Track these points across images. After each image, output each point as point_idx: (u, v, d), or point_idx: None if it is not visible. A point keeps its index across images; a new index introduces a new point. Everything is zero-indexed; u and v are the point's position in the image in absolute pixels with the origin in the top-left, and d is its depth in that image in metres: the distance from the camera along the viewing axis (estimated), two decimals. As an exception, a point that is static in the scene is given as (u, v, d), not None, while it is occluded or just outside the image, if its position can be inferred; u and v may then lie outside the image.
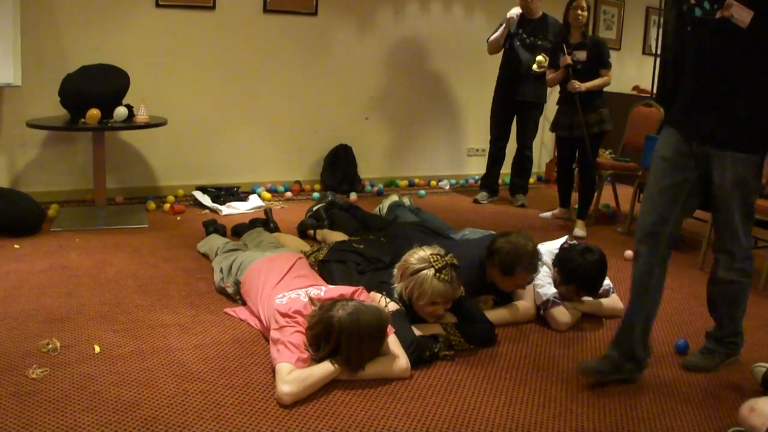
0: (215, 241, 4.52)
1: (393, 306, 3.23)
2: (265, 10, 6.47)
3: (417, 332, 3.23)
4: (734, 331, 3.26)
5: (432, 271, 3.19)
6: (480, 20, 7.47)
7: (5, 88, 5.62)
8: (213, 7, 6.24)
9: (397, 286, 3.34)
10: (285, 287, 3.35)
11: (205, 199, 5.97)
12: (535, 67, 6.23)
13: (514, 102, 6.56)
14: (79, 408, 2.63)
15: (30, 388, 2.77)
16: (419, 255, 3.29)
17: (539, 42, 6.33)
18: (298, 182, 6.81)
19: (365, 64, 7.00)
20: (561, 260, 3.74)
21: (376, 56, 7.03)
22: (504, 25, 6.42)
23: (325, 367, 2.88)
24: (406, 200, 5.38)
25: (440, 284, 3.19)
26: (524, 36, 6.37)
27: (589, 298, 3.80)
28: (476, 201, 6.78)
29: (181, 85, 6.14)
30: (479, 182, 7.21)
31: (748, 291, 3.15)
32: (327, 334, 2.91)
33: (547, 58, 6.04)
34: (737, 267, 3.06)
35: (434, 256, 3.25)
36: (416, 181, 7.38)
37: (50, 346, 3.10)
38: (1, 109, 5.80)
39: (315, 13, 6.68)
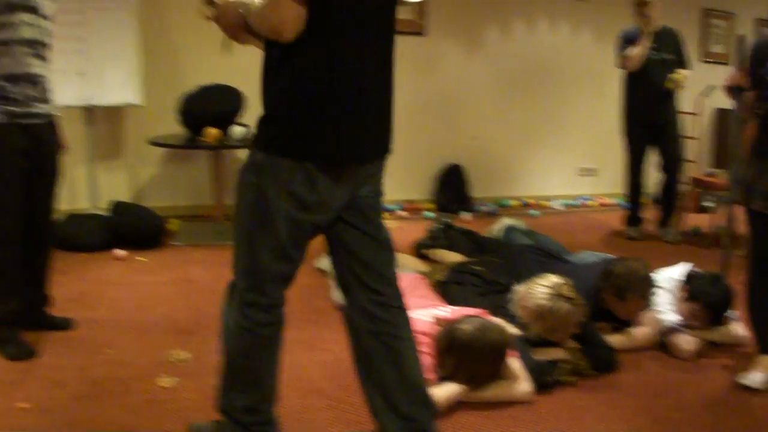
0: (334, 258, 4.62)
1: (514, 330, 3.27)
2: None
3: (540, 357, 3.26)
4: None
5: (560, 301, 3.22)
6: (587, 37, 7.42)
7: (129, 108, 5.97)
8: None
9: (522, 316, 3.37)
10: (408, 307, 3.41)
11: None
12: (671, 84, 5.85)
13: (652, 124, 6.06)
14: (207, 418, 2.78)
15: (161, 396, 2.96)
16: (544, 290, 3.28)
17: (665, 56, 6.02)
18: (410, 201, 6.92)
19: (474, 84, 7.07)
20: (689, 287, 3.69)
21: (485, 75, 7.08)
22: (642, 38, 5.85)
23: (450, 388, 2.93)
24: (520, 223, 5.38)
25: (578, 311, 3.22)
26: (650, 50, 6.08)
27: (714, 326, 3.73)
28: (630, 238, 6.23)
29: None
30: (627, 214, 6.41)
31: None
32: (450, 347, 2.96)
33: (685, 75, 5.78)
34: None
35: (560, 286, 3.27)
36: (528, 201, 7.38)
37: (180, 357, 3.28)
38: (125, 127, 6.17)
39: (424, 33, 6.81)
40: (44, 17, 3.33)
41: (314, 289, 4.32)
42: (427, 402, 2.45)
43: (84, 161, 5.82)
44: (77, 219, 5.27)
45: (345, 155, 2.18)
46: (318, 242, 5.08)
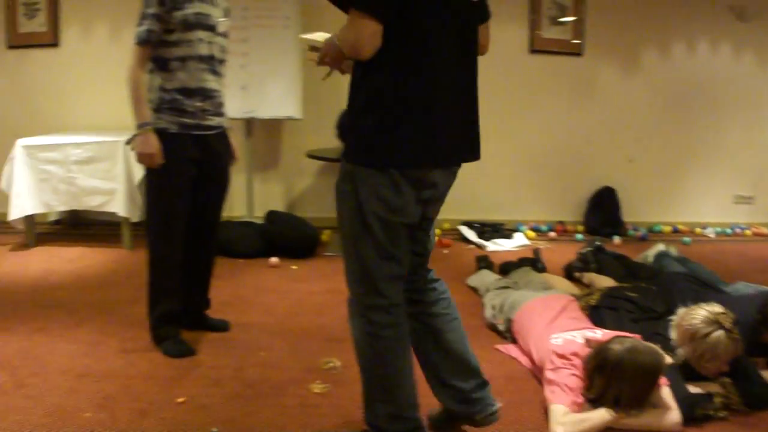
0: (486, 277, 4.63)
1: (667, 359, 3.16)
2: (531, 51, 6.63)
3: (691, 389, 3.14)
4: None
5: (723, 332, 3.09)
6: (748, 60, 7.05)
7: (287, 121, 6.19)
8: (481, 47, 6.51)
9: (680, 350, 3.26)
10: (559, 328, 3.37)
11: (471, 234, 6.16)
12: None
13: None
14: (357, 426, 2.84)
15: (314, 401, 3.04)
16: (703, 315, 3.17)
17: None
18: (561, 222, 6.81)
19: (630, 105, 6.88)
20: None
21: (641, 97, 6.86)
22: None
23: (601, 414, 2.85)
24: (673, 250, 5.21)
25: (731, 344, 3.09)
26: None
27: None
28: None
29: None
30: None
31: None
32: (602, 367, 2.90)
33: None
34: None
35: (720, 315, 3.14)
36: (680, 227, 7.08)
37: (331, 364, 3.36)
38: (284, 139, 6.40)
39: (580, 54, 6.69)
40: (220, 35, 3.53)
41: (465, 307, 4.30)
42: (471, 371, 2.64)
43: (242, 171, 6.06)
44: (233, 226, 5.50)
45: (422, 163, 2.32)
46: (469, 262, 5.12)
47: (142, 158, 3.38)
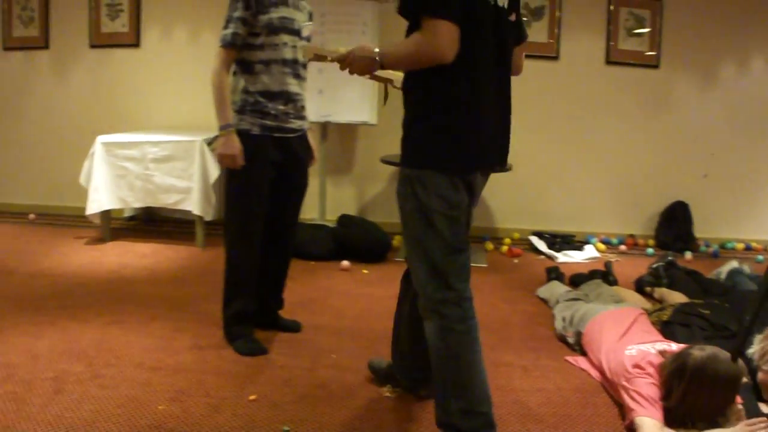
0: (556, 289, 4.58)
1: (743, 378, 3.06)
2: (607, 62, 6.54)
3: (764, 409, 3.04)
4: None
5: None
6: None
7: (362, 126, 6.21)
8: (557, 58, 6.48)
9: (757, 352, 3.16)
10: (632, 341, 3.30)
11: (541, 245, 6.09)
12: None
13: None
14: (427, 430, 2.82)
15: (384, 404, 3.04)
16: None
17: None
18: (632, 236, 6.69)
19: (706, 120, 6.71)
20: None
21: (718, 112, 6.68)
22: None
23: None
24: (746, 267, 5.07)
25: None
26: None
27: None
28: None
29: (525, 131, 6.34)
30: None
31: None
32: (680, 373, 2.81)
33: None
34: None
35: None
36: (753, 245, 6.87)
37: None
38: (358, 144, 6.42)
39: (657, 66, 6.57)
40: (304, 38, 3.55)
41: (535, 317, 4.28)
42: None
43: (316, 174, 6.08)
44: (306, 228, 5.54)
45: (474, 165, 2.53)
46: (539, 272, 5.06)
47: (223, 159, 3.41)
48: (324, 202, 6.24)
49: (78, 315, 4.01)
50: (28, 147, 7.11)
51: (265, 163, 3.48)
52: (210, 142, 5.55)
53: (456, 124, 2.43)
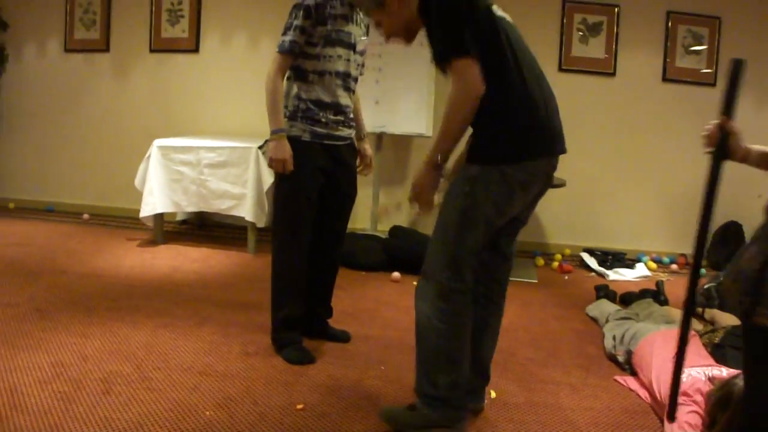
0: (606, 307, 4.51)
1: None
2: (664, 79, 6.46)
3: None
4: None
5: None
6: None
7: (417, 138, 6.20)
8: (613, 74, 6.43)
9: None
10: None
11: (592, 262, 6.02)
12: None
13: None
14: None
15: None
16: None
17: None
18: (683, 255, 6.56)
19: (762, 139, 6.48)
20: None
21: (775, 131, 6.54)
22: None
23: None
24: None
25: None
26: None
27: None
28: None
29: (579, 147, 6.27)
30: None
31: None
32: (725, 403, 2.74)
33: None
34: None
35: None
36: (809, 267, 6.69)
37: None
38: (412, 155, 6.41)
39: (713, 84, 6.44)
40: (359, 53, 3.57)
41: (585, 335, 4.22)
42: (485, 369, 3.05)
43: (369, 184, 6.09)
44: (357, 238, 5.54)
45: (545, 149, 2.70)
46: (589, 290, 4.99)
47: (274, 164, 3.43)
48: (376, 212, 6.24)
49: (128, 317, 4.05)
50: (85, 147, 7.24)
51: (315, 170, 3.50)
52: (261, 146, 5.59)
53: (520, 115, 2.61)
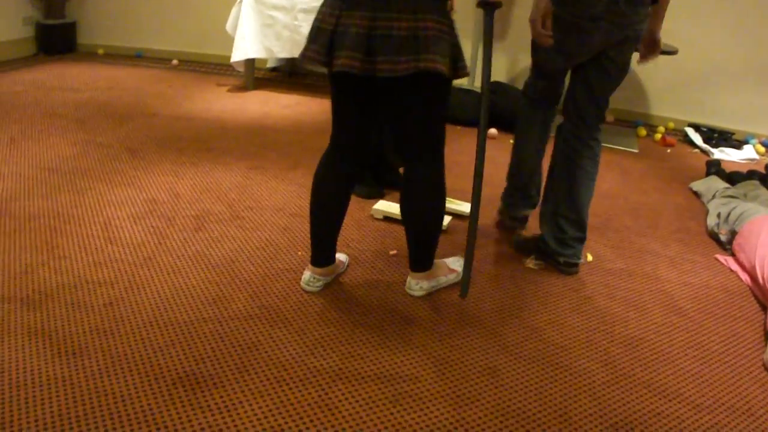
0: (714, 184, 4.39)
1: None
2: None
3: None
4: None
5: None
6: None
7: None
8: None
9: None
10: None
11: (697, 138, 5.83)
12: None
13: None
14: (568, 308, 2.80)
15: (527, 277, 3.05)
16: None
17: None
18: (796, 142, 6.32)
19: None
20: None
21: None
22: None
23: None
24: None
25: None
26: None
27: None
28: None
29: (694, 13, 5.98)
30: None
31: None
32: None
33: None
34: None
35: None
36: None
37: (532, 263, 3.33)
38: (514, 12, 6.22)
39: None
40: None
41: (686, 210, 4.14)
42: (580, 223, 3.07)
43: (469, 40, 5.97)
44: (455, 93, 5.47)
45: None
46: (691, 165, 4.85)
47: None
48: (475, 68, 6.12)
49: (219, 159, 4.12)
50: (176, -8, 7.24)
51: None
52: None
53: None
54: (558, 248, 3.09)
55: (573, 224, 3.06)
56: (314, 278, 2.73)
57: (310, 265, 2.74)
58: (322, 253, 2.72)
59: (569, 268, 3.12)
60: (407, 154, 2.57)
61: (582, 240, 3.10)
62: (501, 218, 3.54)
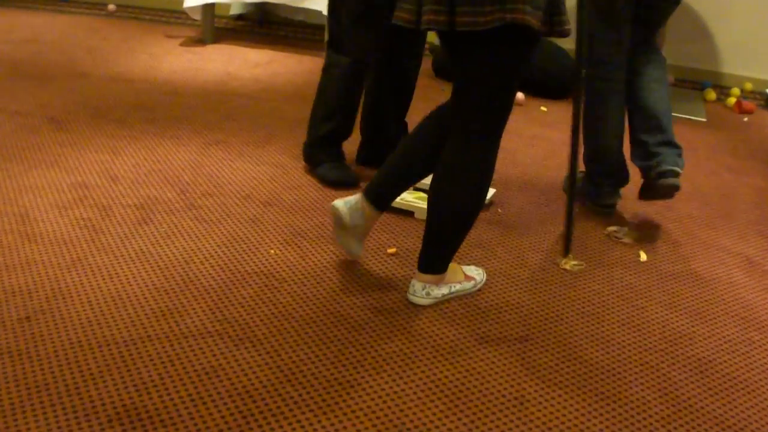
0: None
1: None
2: None
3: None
4: None
5: None
6: None
7: None
8: None
9: None
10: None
11: (782, 103, 5.85)
12: None
13: None
14: (615, 320, 2.79)
15: (563, 281, 3.04)
16: None
17: None
18: None
19: None
20: None
21: None
22: None
23: None
24: None
25: None
26: None
27: None
28: None
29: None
30: None
31: None
32: None
33: None
34: None
35: None
36: None
37: (621, 233, 3.44)
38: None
39: None
40: None
41: (765, 192, 4.16)
42: (660, 128, 3.41)
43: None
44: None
45: None
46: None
47: None
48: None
49: (169, 131, 4.12)
50: None
51: None
52: None
53: None
54: (646, 163, 3.43)
55: (653, 130, 3.39)
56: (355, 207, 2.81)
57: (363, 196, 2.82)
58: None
59: (665, 179, 3.34)
60: (458, 127, 2.59)
61: (670, 144, 3.39)
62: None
